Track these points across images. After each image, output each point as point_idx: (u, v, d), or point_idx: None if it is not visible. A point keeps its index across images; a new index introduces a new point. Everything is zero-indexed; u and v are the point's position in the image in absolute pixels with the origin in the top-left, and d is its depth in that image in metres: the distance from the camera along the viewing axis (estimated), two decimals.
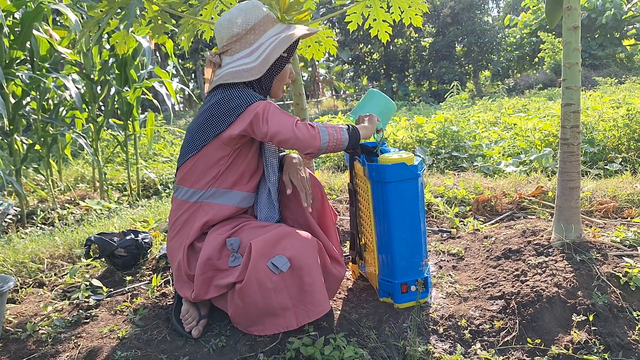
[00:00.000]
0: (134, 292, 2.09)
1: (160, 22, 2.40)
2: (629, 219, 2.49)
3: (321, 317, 1.58)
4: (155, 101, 4.65)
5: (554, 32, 18.39)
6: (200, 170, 1.63)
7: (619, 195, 2.73)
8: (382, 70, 22.35)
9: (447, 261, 2.27)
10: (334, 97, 25.91)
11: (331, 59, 24.39)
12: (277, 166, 1.76)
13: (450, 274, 2.11)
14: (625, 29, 18.97)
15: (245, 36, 1.63)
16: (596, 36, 19.13)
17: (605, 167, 3.77)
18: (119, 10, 2.27)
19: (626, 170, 3.63)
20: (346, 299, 1.93)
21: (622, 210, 2.61)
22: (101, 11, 2.26)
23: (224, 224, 1.66)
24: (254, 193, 1.76)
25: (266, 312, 1.54)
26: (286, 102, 17.82)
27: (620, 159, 3.88)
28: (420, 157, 4.74)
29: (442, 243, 2.51)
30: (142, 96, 4.44)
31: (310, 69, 23.55)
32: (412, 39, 21.55)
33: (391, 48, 21.36)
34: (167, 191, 4.62)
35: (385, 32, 2.94)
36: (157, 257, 2.41)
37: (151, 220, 3.00)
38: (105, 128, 5.03)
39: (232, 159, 1.63)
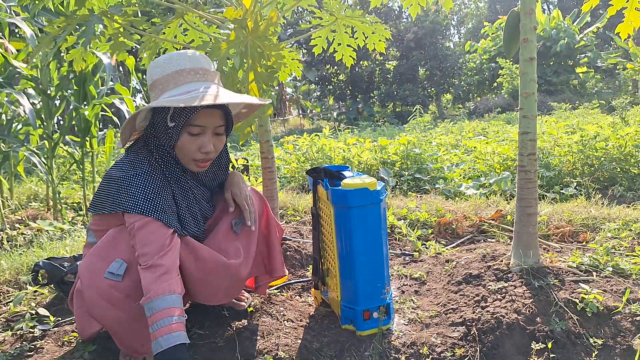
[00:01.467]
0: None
1: (120, 39, 2.34)
2: (584, 243, 2.56)
3: (280, 347, 1.52)
4: (115, 118, 4.53)
5: (512, 60, 19.17)
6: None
7: (574, 220, 2.82)
8: (348, 91, 22.67)
9: (410, 285, 2.27)
10: (301, 115, 26.05)
11: (298, 78, 24.59)
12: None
13: (412, 299, 2.10)
14: (578, 57, 20.01)
15: (151, 93, 1.52)
16: (551, 63, 20.09)
17: (561, 191, 3.89)
18: (77, 26, 2.20)
19: (581, 194, 3.75)
20: (307, 327, 1.89)
21: (578, 234, 2.69)
22: (58, 27, 2.18)
23: None
24: None
25: (139, 325, 1.42)
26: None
27: (575, 183, 4.02)
28: (384, 178, 4.78)
29: (404, 267, 2.51)
30: (102, 113, 4.31)
31: (277, 87, 23.63)
32: (377, 62, 22.00)
33: (357, 70, 21.74)
34: None
35: (350, 56, 2.97)
36: None
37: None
38: (62, 145, 4.84)
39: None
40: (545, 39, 19.75)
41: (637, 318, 1.65)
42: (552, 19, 20.30)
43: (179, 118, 1.45)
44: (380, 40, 2.84)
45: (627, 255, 2.16)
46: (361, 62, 21.48)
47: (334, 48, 2.93)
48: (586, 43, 19.91)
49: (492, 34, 21.31)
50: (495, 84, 22.11)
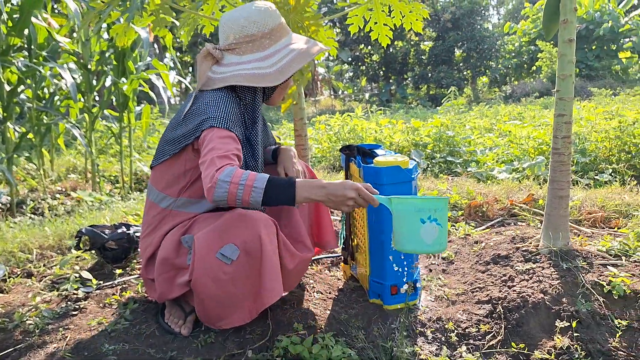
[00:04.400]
0: (124, 285, 2.09)
1: (161, 15, 2.40)
2: (616, 229, 2.52)
3: (309, 317, 1.58)
4: (151, 93, 4.64)
5: (552, 42, 18.51)
6: (171, 176, 1.58)
7: (607, 206, 2.76)
8: (381, 72, 22.38)
9: (438, 265, 2.29)
10: (332, 96, 25.93)
11: (331, 58, 24.42)
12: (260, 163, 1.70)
13: (439, 277, 2.13)
14: (622, 41, 19.17)
15: (261, 39, 1.56)
16: (593, 47, 19.30)
17: (596, 177, 3.81)
18: (121, 2, 2.27)
19: (615, 181, 3.66)
20: (336, 299, 1.95)
21: (610, 220, 2.65)
22: (103, 2, 2.26)
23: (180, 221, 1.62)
24: None
25: (229, 304, 1.49)
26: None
27: (611, 170, 3.93)
28: (415, 160, 4.76)
29: None
30: (139, 88, 4.43)
31: (309, 67, 23.57)
32: (412, 42, 21.59)
33: (391, 50, 21.39)
34: None
35: (386, 35, 2.96)
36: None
37: (143, 214, 3.00)
38: (100, 119, 5.00)
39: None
40: (588, 21, 18.95)
41: None
42: (596, 1, 19.42)
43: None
44: (417, 20, 2.82)
45: None
46: (395, 43, 21.12)
47: (370, 27, 2.91)
48: (631, 27, 18.99)
49: (533, 15, 20.56)
50: (534, 68, 21.39)
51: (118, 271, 2.19)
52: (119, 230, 2.39)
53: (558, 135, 1.97)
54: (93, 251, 2.38)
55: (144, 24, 2.89)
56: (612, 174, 3.88)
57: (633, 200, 2.80)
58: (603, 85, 15.60)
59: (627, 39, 19.25)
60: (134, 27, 3.65)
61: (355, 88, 25.03)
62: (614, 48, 19.16)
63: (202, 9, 2.65)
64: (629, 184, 3.34)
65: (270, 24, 1.57)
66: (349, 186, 1.37)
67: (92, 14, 2.23)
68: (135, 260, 2.37)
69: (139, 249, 2.43)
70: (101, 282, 2.11)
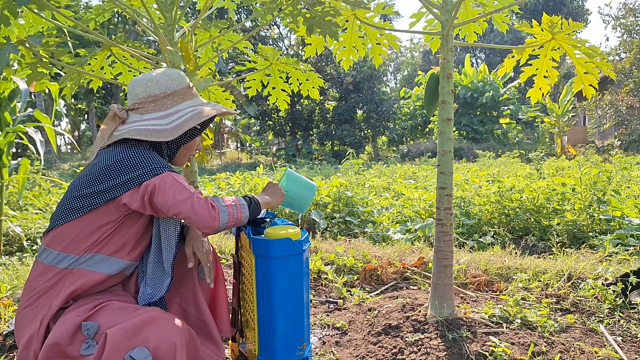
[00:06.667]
0: None
1: (39, 69, 2.22)
2: (497, 292, 2.67)
3: None
4: (31, 146, 4.25)
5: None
6: (78, 234, 1.45)
7: (490, 269, 2.94)
8: (287, 127, 22.88)
9: (331, 336, 2.24)
10: (239, 149, 25.85)
11: (238, 111, 24.58)
12: (177, 233, 1.62)
13: (332, 351, 2.08)
14: (501, 109, 21.62)
15: (163, 99, 1.59)
16: (477, 113, 21.54)
17: (480, 239, 4.08)
18: None
19: (497, 243, 3.95)
20: None
21: (493, 283, 2.81)
22: None
23: (85, 301, 1.47)
24: (135, 262, 1.61)
25: None
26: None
27: (493, 232, 4.24)
28: (314, 223, 4.79)
29: (328, 315, 2.49)
30: (18, 140, 4.03)
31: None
32: (317, 101, 22.49)
33: (297, 107, 22.06)
34: (34, 247, 4.13)
35: (284, 100, 3.00)
36: (4, 333, 2.09)
37: (3, 288, 2.63)
38: None
39: (120, 223, 1.48)
40: (472, 90, 21.22)
41: None
42: (479, 72, 21.88)
43: (204, 122, 1.68)
44: (314, 87, 2.90)
45: (534, 307, 2.28)
46: (302, 100, 21.86)
47: (269, 91, 2.95)
48: (509, 96, 21.61)
49: (425, 82, 22.53)
50: (427, 129, 23.30)
51: None
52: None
53: (440, 207, 2.08)
54: None
55: (22, 74, 2.67)
56: (494, 236, 4.19)
57: (512, 264, 3.02)
58: (487, 147, 17.31)
59: (505, 107, 21.77)
60: (12, 78, 3.37)
61: (262, 141, 25.24)
62: (495, 114, 21.53)
63: (89, 63, 2.51)
64: (508, 247, 3.60)
65: (174, 87, 1.61)
66: (279, 193, 1.77)
67: None
68: None
69: None
70: None
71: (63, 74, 2.58)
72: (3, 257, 3.79)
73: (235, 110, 1.76)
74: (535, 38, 2.15)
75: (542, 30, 2.08)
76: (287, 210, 5.20)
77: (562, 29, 2.05)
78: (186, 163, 1.76)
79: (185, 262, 1.72)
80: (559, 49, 2.15)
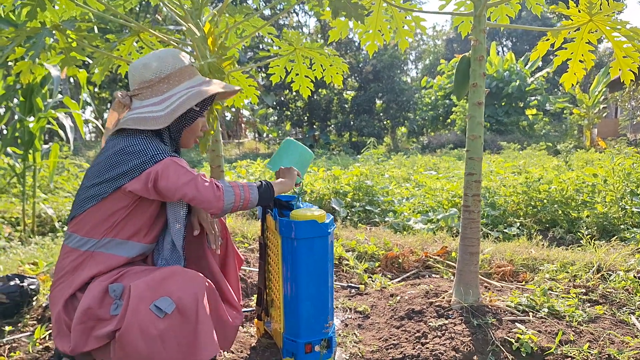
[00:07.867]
0: (13, 344, 1.86)
1: (72, 54, 2.27)
2: (523, 282, 2.65)
3: None
4: (61, 132, 4.35)
5: (466, 97, 20.00)
6: (96, 220, 1.51)
7: (515, 260, 2.92)
8: (305, 118, 22.86)
9: (354, 319, 2.26)
10: (257, 139, 25.97)
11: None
12: (184, 216, 1.67)
13: (355, 333, 2.10)
14: (528, 99, 21.08)
15: (158, 84, 1.58)
16: (502, 104, 21.03)
17: (505, 230, 4.03)
18: (26, 39, 2.12)
19: (523, 234, 3.90)
20: (248, 359, 1.84)
21: (518, 273, 2.78)
22: (7, 37, 2.10)
23: (110, 272, 1.53)
24: (153, 244, 1.66)
25: None
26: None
27: (519, 223, 4.19)
28: (335, 210, 4.81)
29: (350, 299, 2.51)
30: (48, 126, 4.13)
31: (233, 109, 23.54)
32: (335, 91, 22.39)
33: (315, 97, 22.00)
34: (65, 229, 4.25)
35: (307, 87, 3.01)
36: (43, 305, 2.17)
37: (41, 263, 2.73)
38: (3, 156, 4.60)
39: (132, 209, 1.52)
40: (498, 80, 20.70)
41: (568, 359, 1.72)
42: (505, 61, 21.35)
43: (204, 103, 1.65)
44: (337, 73, 2.90)
45: (562, 297, 2.25)
46: (320, 90, 21.80)
47: (292, 78, 2.96)
48: (536, 86, 21.00)
49: (448, 71, 22.13)
50: (448, 120, 22.95)
51: (7, 328, 1.97)
52: (12, 283, 2.18)
53: (468, 193, 2.06)
54: None
55: (54, 62, 2.72)
56: (520, 228, 4.14)
57: (539, 255, 2.98)
58: (512, 139, 16.96)
59: (532, 97, 21.20)
60: (44, 64, 3.44)
61: (279, 132, 25.29)
62: (522, 105, 20.98)
63: (118, 49, 2.55)
64: (535, 238, 3.55)
65: (168, 69, 1.59)
66: (292, 175, 1.80)
67: None
68: (28, 316, 2.12)
69: (32, 303, 2.20)
70: None
71: (90, 62, 2.63)
72: (37, 237, 3.92)
73: (235, 88, 1.71)
74: (572, 20, 2.09)
75: (579, 11, 2.02)
76: (314, 196, 5.23)
77: (600, 9, 1.98)
78: (192, 145, 1.75)
79: (198, 241, 1.75)
80: (596, 31, 2.09)
